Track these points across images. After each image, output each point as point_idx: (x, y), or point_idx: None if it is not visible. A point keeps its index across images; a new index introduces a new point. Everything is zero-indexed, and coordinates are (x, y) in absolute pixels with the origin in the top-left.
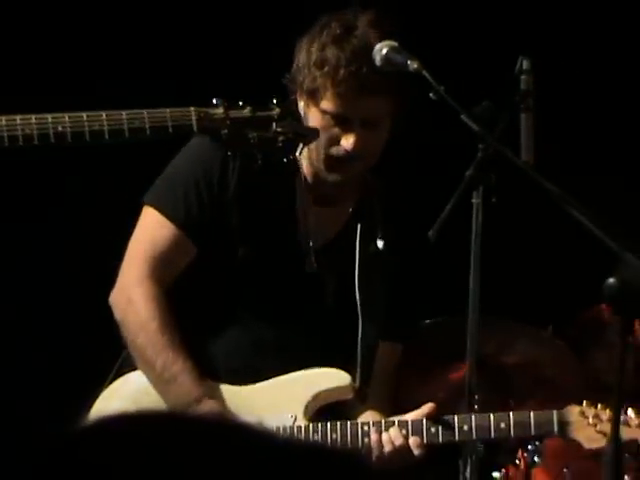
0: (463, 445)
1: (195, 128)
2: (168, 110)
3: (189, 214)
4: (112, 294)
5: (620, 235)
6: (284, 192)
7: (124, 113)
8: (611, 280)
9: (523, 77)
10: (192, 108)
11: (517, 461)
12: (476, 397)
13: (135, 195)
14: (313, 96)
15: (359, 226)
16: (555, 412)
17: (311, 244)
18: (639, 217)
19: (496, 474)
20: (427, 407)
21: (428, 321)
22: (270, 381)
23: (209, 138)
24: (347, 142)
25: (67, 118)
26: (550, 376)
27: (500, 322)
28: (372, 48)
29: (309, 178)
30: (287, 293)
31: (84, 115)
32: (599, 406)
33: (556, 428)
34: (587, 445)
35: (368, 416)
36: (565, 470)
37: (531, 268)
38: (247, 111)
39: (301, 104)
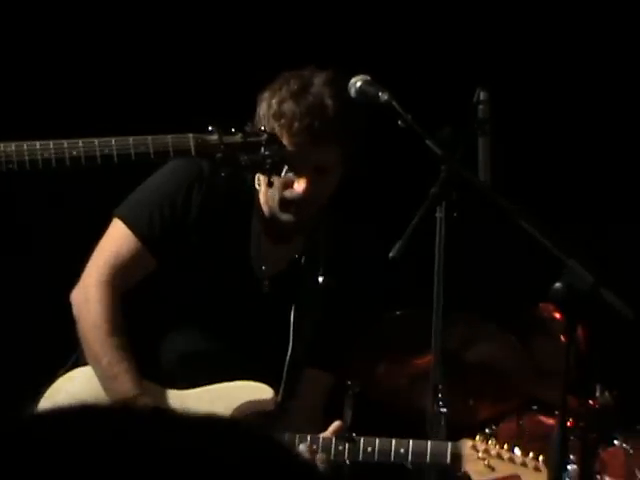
0: (429, 427)
1: (193, 152)
2: (169, 136)
3: (152, 230)
4: (73, 292)
5: (565, 244)
6: (241, 221)
7: (131, 139)
8: (558, 284)
9: (480, 106)
10: (190, 135)
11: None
12: (440, 387)
13: (107, 208)
14: None
15: (304, 260)
16: (450, 444)
17: (264, 269)
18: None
19: None
20: (336, 425)
21: (397, 312)
22: (201, 389)
23: (184, 161)
24: (300, 186)
25: (80, 143)
26: (502, 371)
27: (463, 317)
28: (325, 105)
29: (265, 214)
30: (229, 311)
31: (95, 141)
32: (489, 442)
33: (449, 459)
34: (475, 478)
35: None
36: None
37: (487, 271)
38: (239, 137)
39: None
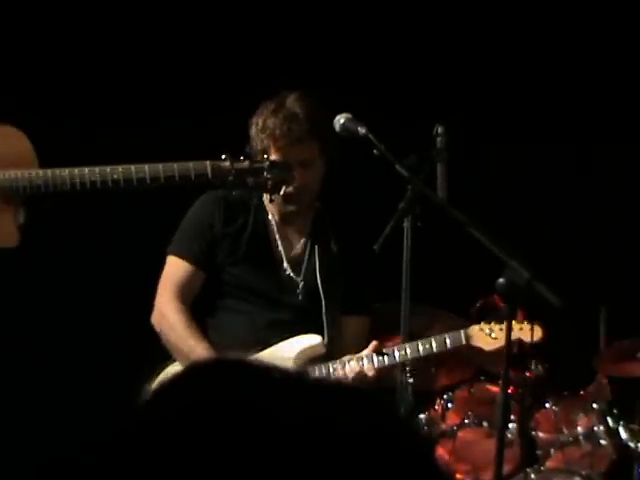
0: (399, 395)
1: (210, 176)
2: (191, 163)
3: (198, 252)
4: (152, 316)
5: (506, 247)
6: (259, 223)
7: (160, 165)
8: (501, 280)
9: (439, 138)
10: (208, 162)
11: (436, 407)
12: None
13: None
14: (265, 153)
15: (316, 238)
16: (462, 331)
17: (284, 255)
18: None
19: (421, 415)
20: (372, 344)
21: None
22: (268, 349)
23: (206, 196)
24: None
25: (120, 169)
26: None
27: (424, 307)
28: (296, 113)
29: (275, 210)
30: (271, 290)
31: (132, 167)
32: (492, 323)
33: (464, 340)
34: (486, 348)
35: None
36: (469, 413)
37: (445, 270)
38: (246, 163)
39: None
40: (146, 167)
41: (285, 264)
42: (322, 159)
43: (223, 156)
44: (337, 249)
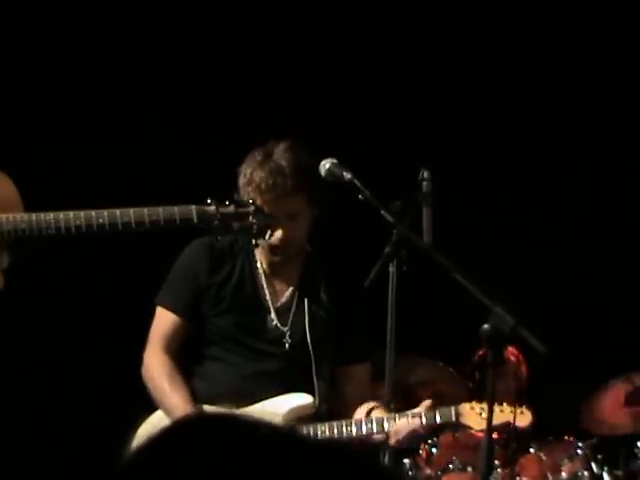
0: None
1: (195, 221)
2: (176, 208)
3: (183, 302)
4: (142, 368)
5: (492, 294)
6: (246, 271)
7: (146, 210)
8: (485, 326)
9: (424, 183)
10: (193, 206)
11: (421, 451)
12: (391, 405)
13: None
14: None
15: (305, 286)
16: (452, 408)
17: (270, 304)
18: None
19: (406, 460)
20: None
21: None
22: (257, 405)
23: (194, 244)
24: (278, 234)
25: (105, 213)
26: (440, 392)
27: (407, 355)
28: (282, 166)
29: (263, 258)
30: (256, 340)
31: (117, 211)
32: (483, 403)
33: (453, 418)
34: (476, 427)
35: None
36: (454, 458)
37: (431, 316)
38: (232, 208)
39: None
40: (131, 211)
41: (272, 314)
42: (310, 210)
43: (208, 200)
44: (327, 297)
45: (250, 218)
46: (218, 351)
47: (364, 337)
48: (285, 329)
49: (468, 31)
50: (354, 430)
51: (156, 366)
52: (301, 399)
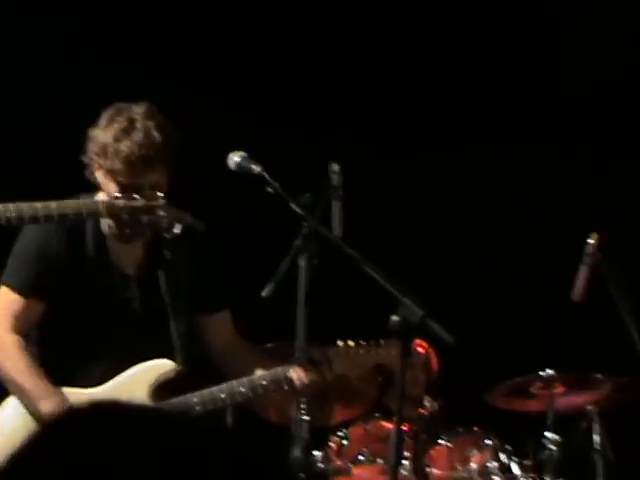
0: (294, 431)
1: (104, 215)
2: (81, 201)
3: (31, 282)
4: None
5: (400, 285)
6: (96, 240)
7: (54, 203)
8: (394, 317)
9: (334, 176)
10: (101, 200)
11: (331, 443)
12: (303, 399)
13: None
14: (112, 173)
15: (157, 253)
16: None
17: (124, 271)
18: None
19: (317, 452)
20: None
21: (269, 345)
22: (112, 381)
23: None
24: None
25: (11, 207)
26: (352, 385)
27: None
28: (153, 136)
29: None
30: (112, 311)
31: (24, 205)
32: (358, 343)
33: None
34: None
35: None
36: (364, 449)
37: (342, 306)
38: (141, 202)
39: (99, 175)
40: (39, 205)
41: (125, 283)
42: (167, 180)
43: (117, 194)
44: (180, 260)
45: (159, 212)
46: (74, 325)
47: (218, 285)
48: (140, 294)
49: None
50: (248, 390)
51: (7, 346)
52: (162, 366)
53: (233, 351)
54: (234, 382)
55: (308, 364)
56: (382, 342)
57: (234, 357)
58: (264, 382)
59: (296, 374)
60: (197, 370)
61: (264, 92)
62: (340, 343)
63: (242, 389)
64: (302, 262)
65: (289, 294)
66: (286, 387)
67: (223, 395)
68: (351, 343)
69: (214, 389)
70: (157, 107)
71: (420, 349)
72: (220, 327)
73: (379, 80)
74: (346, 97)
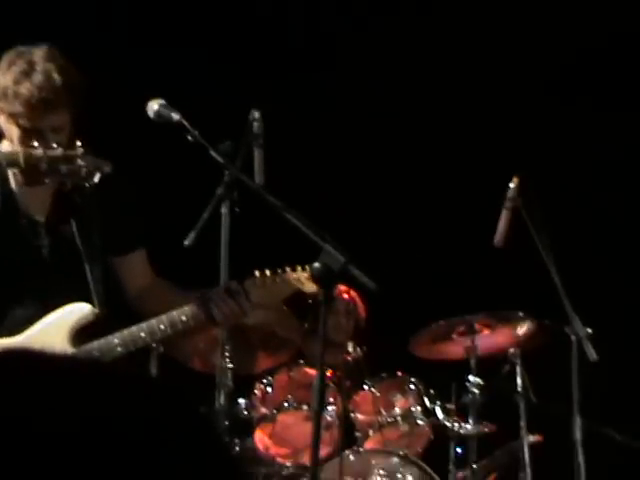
0: (219, 380)
1: (23, 165)
2: (1, 152)
3: None
4: None
5: (321, 232)
6: (3, 192)
7: None
8: (316, 264)
9: (255, 124)
10: (19, 149)
11: (256, 391)
12: (226, 347)
13: None
14: (13, 117)
15: (68, 197)
16: (241, 281)
17: (33, 220)
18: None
19: (241, 400)
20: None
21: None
22: (30, 329)
23: None
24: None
25: None
26: (278, 333)
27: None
28: (53, 78)
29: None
30: (24, 259)
31: None
32: (275, 271)
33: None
34: (271, 302)
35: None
36: (289, 396)
37: (264, 254)
38: (59, 151)
39: (2, 120)
40: None
41: (34, 229)
42: (70, 120)
43: (35, 143)
44: (93, 204)
45: (78, 161)
46: None
47: (131, 226)
48: (50, 240)
49: None
50: (167, 327)
51: None
52: (80, 310)
53: (152, 292)
54: (153, 320)
55: (226, 296)
56: (299, 267)
57: (153, 297)
58: (184, 318)
59: (215, 307)
60: (117, 313)
61: (184, 39)
62: (257, 273)
63: (162, 326)
64: (224, 210)
65: (212, 242)
66: (206, 321)
67: (143, 334)
68: (268, 272)
69: (133, 328)
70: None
71: (345, 295)
72: (137, 268)
73: (300, 27)
74: (266, 43)
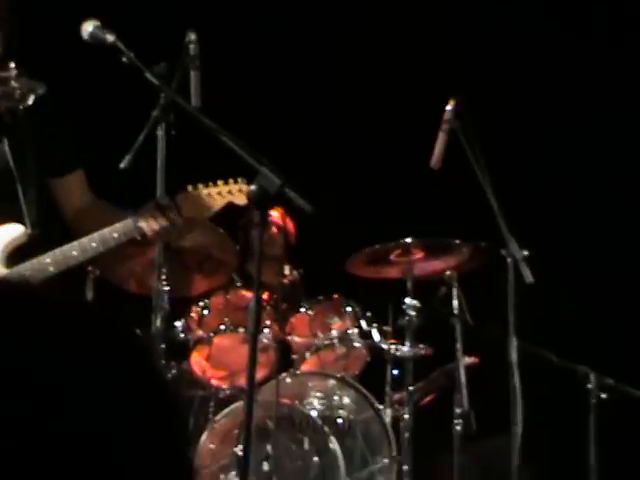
0: (155, 302)
1: None
2: None
3: None
4: None
5: (257, 154)
6: None
7: None
8: (253, 186)
9: (191, 45)
10: None
11: (192, 314)
12: (162, 269)
13: None
14: None
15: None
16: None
17: None
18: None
19: (178, 323)
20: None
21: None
22: None
23: None
24: None
25: None
26: (214, 254)
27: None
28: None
29: None
30: None
31: None
32: (207, 184)
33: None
34: (203, 214)
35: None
36: (226, 319)
37: (200, 177)
38: None
39: None
40: None
41: None
42: (4, 40)
43: None
44: (26, 125)
45: (12, 83)
46: None
47: (68, 147)
48: None
49: None
50: (99, 244)
51: None
52: (11, 230)
53: (91, 213)
54: (85, 238)
55: (157, 211)
56: (231, 180)
57: (92, 218)
58: (115, 235)
59: (146, 222)
60: (51, 236)
61: None
62: (189, 187)
63: (93, 244)
64: (160, 133)
65: (148, 166)
66: (138, 237)
67: (75, 252)
68: (200, 186)
69: (65, 248)
70: None
71: (275, 214)
72: (75, 189)
73: None
74: None
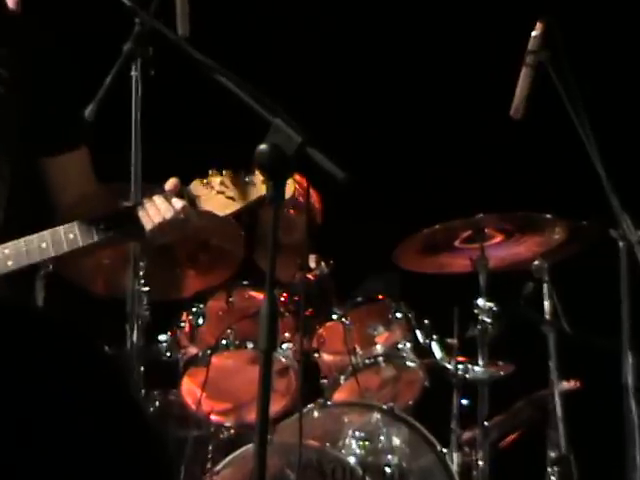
0: (130, 309)
1: None
2: None
3: None
4: None
5: (269, 102)
6: None
7: None
8: (262, 145)
9: None
10: None
11: (182, 323)
12: (141, 263)
13: None
14: None
15: None
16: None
17: None
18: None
19: (163, 337)
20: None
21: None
22: None
23: None
24: None
25: None
26: (212, 242)
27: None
28: None
29: None
30: None
31: None
32: (224, 173)
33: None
34: (220, 212)
35: None
36: (228, 331)
37: (189, 129)
38: None
39: None
40: None
41: None
42: None
43: None
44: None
45: None
46: None
47: (71, 115)
48: None
49: None
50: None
51: None
52: None
53: (91, 203)
54: (60, 228)
55: (162, 200)
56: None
57: (91, 209)
58: (102, 226)
59: (145, 214)
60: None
61: None
62: (211, 173)
63: (71, 236)
64: (134, 73)
65: (120, 115)
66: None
67: (44, 245)
68: (225, 173)
69: (34, 237)
70: None
71: (297, 186)
72: (75, 171)
73: None
74: None
